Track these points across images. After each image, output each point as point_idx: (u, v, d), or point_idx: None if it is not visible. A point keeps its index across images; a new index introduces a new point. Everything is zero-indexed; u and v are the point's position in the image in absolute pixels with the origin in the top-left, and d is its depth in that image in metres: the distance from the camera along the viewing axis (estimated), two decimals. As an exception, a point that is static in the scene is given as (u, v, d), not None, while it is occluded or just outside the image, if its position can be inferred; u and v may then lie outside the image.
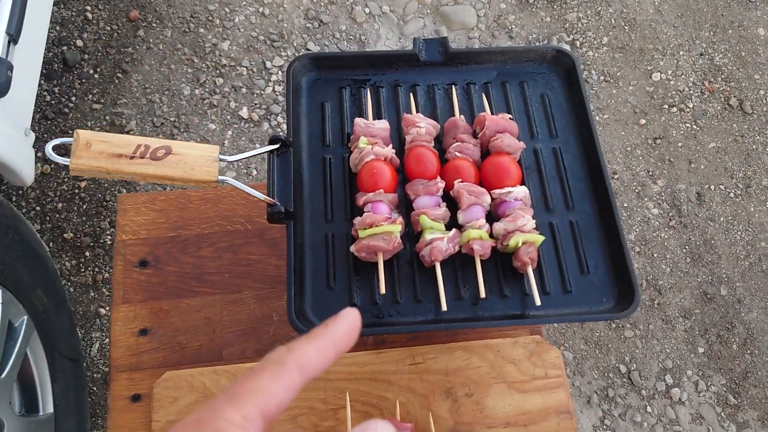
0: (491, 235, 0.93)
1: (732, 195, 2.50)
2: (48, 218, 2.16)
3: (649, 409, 2.13)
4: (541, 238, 0.91)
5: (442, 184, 0.94)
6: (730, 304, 2.32)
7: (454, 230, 0.92)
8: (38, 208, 2.16)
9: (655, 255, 2.36)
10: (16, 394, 1.55)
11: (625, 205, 2.43)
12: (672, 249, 2.38)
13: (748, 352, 2.25)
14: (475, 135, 1.02)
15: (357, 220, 0.91)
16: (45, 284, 1.61)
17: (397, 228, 0.90)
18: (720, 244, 2.41)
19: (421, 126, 0.97)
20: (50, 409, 1.62)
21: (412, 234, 0.96)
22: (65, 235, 2.14)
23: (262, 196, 0.88)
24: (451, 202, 0.96)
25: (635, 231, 2.39)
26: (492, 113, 1.03)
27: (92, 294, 2.08)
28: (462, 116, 1.02)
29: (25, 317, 1.50)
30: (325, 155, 1.01)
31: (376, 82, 1.08)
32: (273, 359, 0.39)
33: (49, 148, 0.81)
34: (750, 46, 2.82)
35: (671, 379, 2.18)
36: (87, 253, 2.12)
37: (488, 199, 0.94)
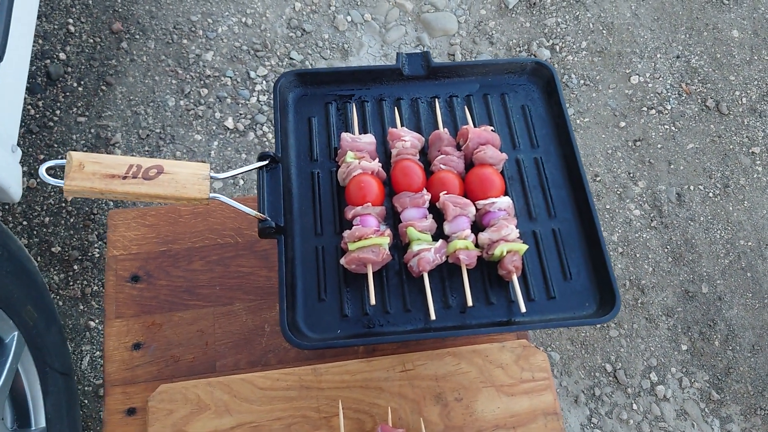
0: (477, 245, 0.96)
1: (711, 195, 2.56)
2: (35, 232, 2.16)
3: (635, 406, 2.17)
4: (524, 247, 0.94)
5: (428, 197, 0.97)
6: (711, 302, 2.37)
7: (440, 241, 0.95)
8: (25, 223, 2.16)
9: (638, 255, 2.41)
10: (8, 410, 1.55)
11: (608, 207, 2.47)
12: (654, 249, 2.43)
13: (730, 348, 2.30)
14: (458, 147, 1.05)
15: (346, 233, 0.94)
16: (35, 299, 1.61)
17: (386, 240, 0.92)
18: (700, 243, 2.46)
19: (407, 139, 1.00)
20: (42, 424, 1.62)
21: (400, 245, 0.98)
22: (53, 249, 2.14)
23: (253, 213, 0.91)
24: (438, 213, 0.99)
25: (618, 232, 2.43)
26: (474, 125, 1.06)
27: (81, 307, 2.08)
28: (446, 129, 1.05)
29: (16, 333, 1.51)
30: (313, 170, 1.03)
31: (361, 97, 1.10)
32: None
33: (42, 170, 0.83)
34: (725, 48, 2.88)
35: (656, 376, 2.22)
36: (75, 267, 2.13)
37: (473, 210, 0.97)
